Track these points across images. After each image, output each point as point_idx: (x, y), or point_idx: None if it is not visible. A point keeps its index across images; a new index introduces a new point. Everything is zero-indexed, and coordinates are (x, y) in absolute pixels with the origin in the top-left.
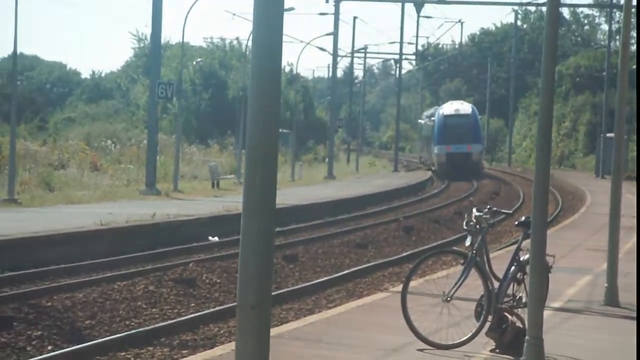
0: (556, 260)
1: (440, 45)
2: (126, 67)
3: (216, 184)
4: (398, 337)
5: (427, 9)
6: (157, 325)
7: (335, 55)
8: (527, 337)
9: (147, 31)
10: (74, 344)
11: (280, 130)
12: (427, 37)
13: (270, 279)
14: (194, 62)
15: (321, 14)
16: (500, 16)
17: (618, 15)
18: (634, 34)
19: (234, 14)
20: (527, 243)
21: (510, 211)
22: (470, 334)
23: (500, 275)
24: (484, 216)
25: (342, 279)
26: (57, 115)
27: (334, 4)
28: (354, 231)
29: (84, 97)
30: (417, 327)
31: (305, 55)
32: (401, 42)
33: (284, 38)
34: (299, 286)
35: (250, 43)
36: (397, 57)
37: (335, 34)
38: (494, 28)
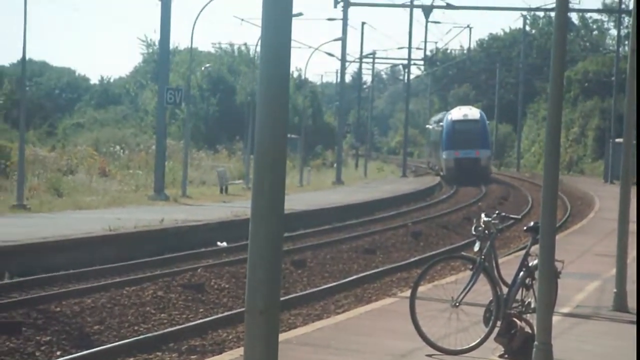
0: (565, 266)
1: (448, 51)
2: (135, 72)
3: (224, 190)
4: (407, 343)
5: (436, 14)
6: (165, 330)
7: (343, 60)
8: (535, 343)
9: (156, 37)
10: (83, 350)
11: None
12: (436, 43)
13: (279, 284)
14: (203, 68)
15: (329, 19)
16: (509, 21)
17: (627, 20)
18: None
19: (242, 20)
20: (535, 248)
21: (519, 216)
22: (479, 339)
23: (509, 280)
24: (493, 221)
25: (351, 284)
26: (65, 120)
27: (342, 9)
28: (363, 236)
29: (92, 103)
30: (425, 333)
31: (313, 60)
32: (409, 48)
33: (293, 43)
34: (307, 291)
35: (258, 48)
36: (405, 62)
37: (343, 39)
38: (502, 33)
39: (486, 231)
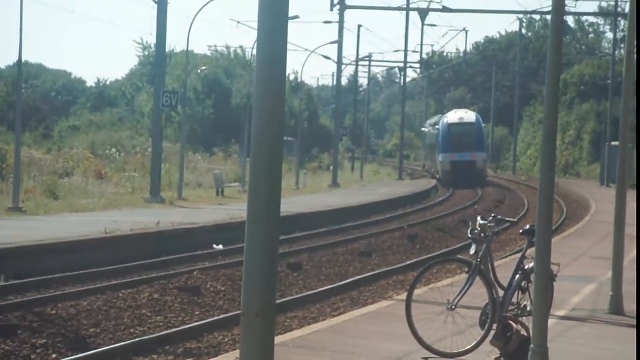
0: (561, 269)
1: (444, 54)
2: (131, 75)
3: (221, 192)
4: (403, 346)
5: (432, 17)
6: (161, 333)
7: (340, 63)
8: (532, 346)
9: (152, 39)
10: (79, 353)
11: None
12: (432, 46)
13: (275, 287)
14: (199, 71)
15: (326, 22)
16: (505, 24)
17: (623, 23)
18: None
19: (238, 22)
20: (531, 251)
21: (515, 219)
22: (475, 342)
23: (505, 283)
24: (489, 224)
25: (347, 287)
26: (62, 123)
27: (338, 12)
28: (359, 239)
29: (88, 106)
30: (421, 336)
31: (310, 63)
32: (406, 51)
33: (289, 46)
34: (303, 294)
35: (255, 51)
36: (401, 65)
37: (340, 42)
38: (498, 36)
39: (482, 234)
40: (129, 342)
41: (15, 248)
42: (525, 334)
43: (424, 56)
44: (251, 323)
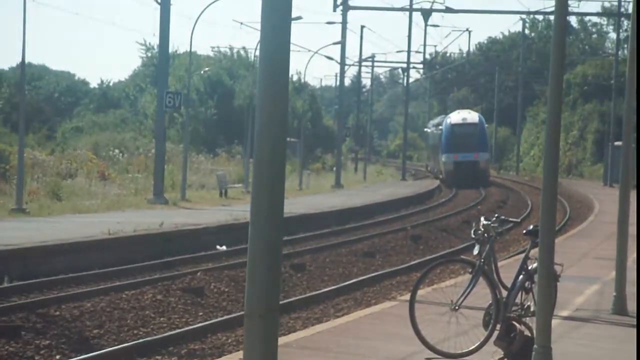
0: (564, 269)
1: (447, 54)
2: (134, 76)
3: (224, 193)
4: (406, 346)
5: (435, 17)
6: (165, 334)
7: (342, 64)
8: (535, 346)
9: (155, 40)
10: (82, 354)
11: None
12: (435, 46)
13: (278, 287)
14: (202, 71)
15: (329, 22)
16: (508, 25)
17: (626, 23)
18: None
19: (241, 23)
20: (535, 252)
21: (518, 220)
22: (479, 342)
23: (509, 284)
24: (492, 225)
25: (350, 287)
26: (65, 124)
27: (341, 13)
28: (362, 240)
29: (91, 107)
30: (425, 336)
31: (312, 64)
32: (409, 51)
33: (292, 47)
34: (306, 295)
35: (257, 52)
36: (404, 65)
37: (342, 42)
38: (501, 37)
39: (485, 234)
40: (132, 343)
41: (19, 249)
42: (529, 334)
43: (427, 57)
44: (254, 324)
